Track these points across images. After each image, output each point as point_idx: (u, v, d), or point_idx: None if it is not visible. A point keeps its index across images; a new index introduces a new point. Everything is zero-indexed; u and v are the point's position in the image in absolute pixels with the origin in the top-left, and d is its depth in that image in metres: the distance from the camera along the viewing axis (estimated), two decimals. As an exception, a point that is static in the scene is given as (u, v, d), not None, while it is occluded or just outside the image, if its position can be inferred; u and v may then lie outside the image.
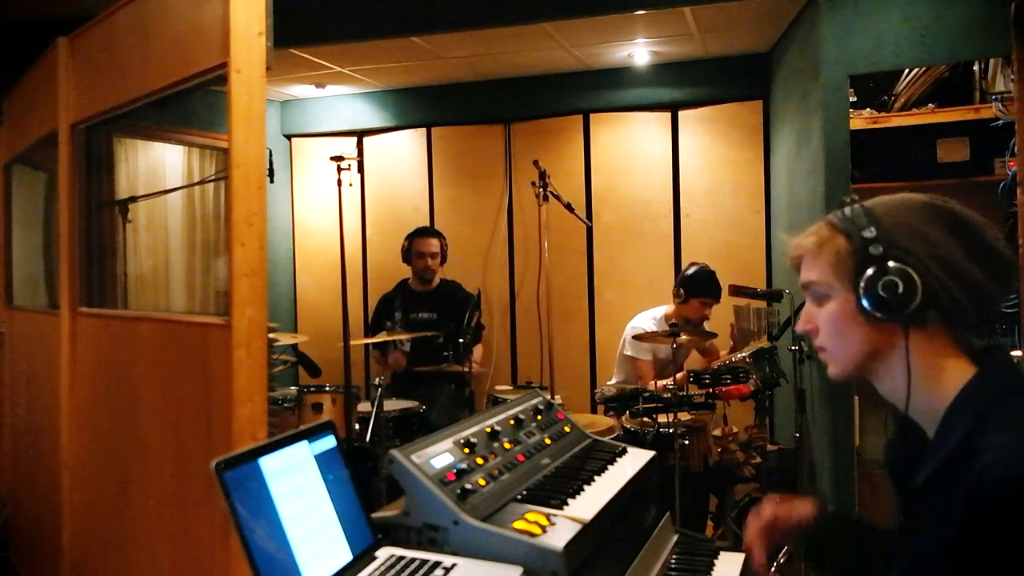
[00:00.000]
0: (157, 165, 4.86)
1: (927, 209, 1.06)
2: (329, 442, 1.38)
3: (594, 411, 4.57)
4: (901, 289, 1.00)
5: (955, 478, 0.95)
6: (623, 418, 3.75)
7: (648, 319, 4.10)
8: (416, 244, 4.50)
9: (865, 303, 1.03)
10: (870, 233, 1.04)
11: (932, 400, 1.04)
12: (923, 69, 3.77)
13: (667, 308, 4.11)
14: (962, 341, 1.05)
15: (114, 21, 2.60)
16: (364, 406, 3.95)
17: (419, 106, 5.33)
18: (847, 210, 1.08)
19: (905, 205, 1.07)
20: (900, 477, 1.13)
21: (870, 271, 1.02)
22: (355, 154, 4.36)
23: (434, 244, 4.49)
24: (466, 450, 1.48)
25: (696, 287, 3.92)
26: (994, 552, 0.89)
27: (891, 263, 1.01)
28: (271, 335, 3.35)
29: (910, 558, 1.03)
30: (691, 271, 3.98)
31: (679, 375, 3.56)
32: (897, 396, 1.08)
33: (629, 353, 4.06)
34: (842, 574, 1.38)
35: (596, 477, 1.57)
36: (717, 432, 3.76)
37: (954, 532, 0.93)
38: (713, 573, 1.64)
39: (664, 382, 3.88)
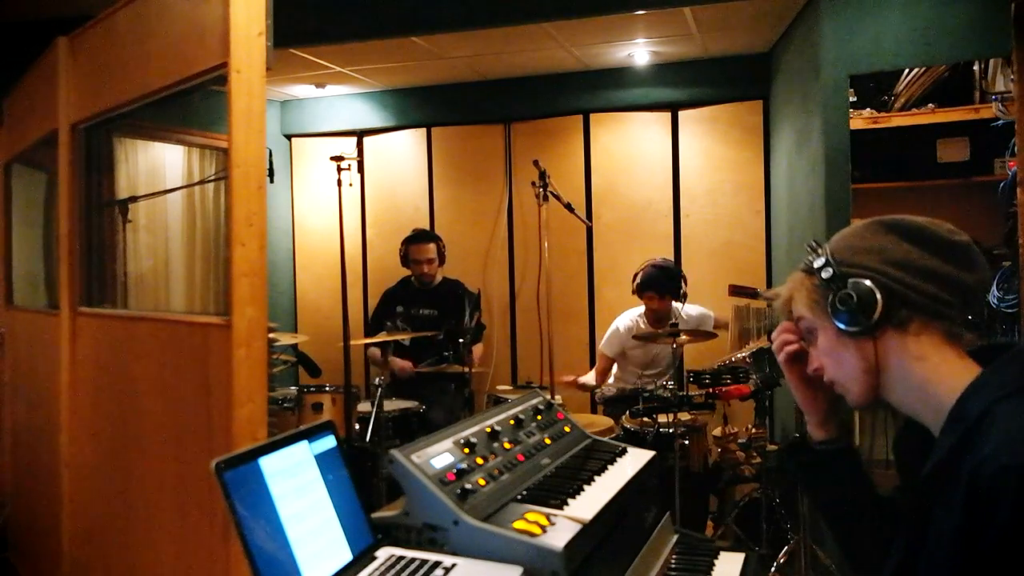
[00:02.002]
0: (157, 165, 4.86)
1: (871, 225, 1.13)
2: (329, 442, 1.38)
3: (594, 411, 4.57)
4: (856, 299, 1.06)
5: (956, 470, 0.96)
6: (623, 418, 3.75)
7: (628, 318, 4.23)
8: (412, 251, 4.49)
9: (839, 324, 1.09)
10: (823, 264, 1.12)
11: (935, 400, 1.05)
12: (923, 69, 3.77)
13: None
14: (958, 339, 1.07)
15: (114, 21, 2.60)
16: (364, 406, 3.95)
17: (419, 106, 5.33)
18: (807, 254, 1.17)
19: (852, 230, 1.15)
20: (909, 472, 1.15)
21: (832, 294, 1.09)
22: (355, 154, 4.36)
23: (430, 250, 4.48)
24: (466, 450, 1.48)
25: (640, 286, 4.06)
26: (994, 540, 0.89)
27: (849, 280, 1.08)
28: (271, 335, 3.34)
29: (927, 551, 1.03)
30: (639, 272, 4.08)
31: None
32: (911, 408, 1.10)
33: (601, 349, 4.27)
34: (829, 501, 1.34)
35: (596, 477, 1.57)
36: (717, 432, 3.76)
37: (956, 522, 0.94)
38: (713, 573, 1.64)
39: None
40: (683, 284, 4.04)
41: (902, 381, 1.08)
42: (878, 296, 1.06)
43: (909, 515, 1.09)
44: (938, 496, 1.00)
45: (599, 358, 4.35)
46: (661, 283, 4.01)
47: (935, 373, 1.05)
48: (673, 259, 4.87)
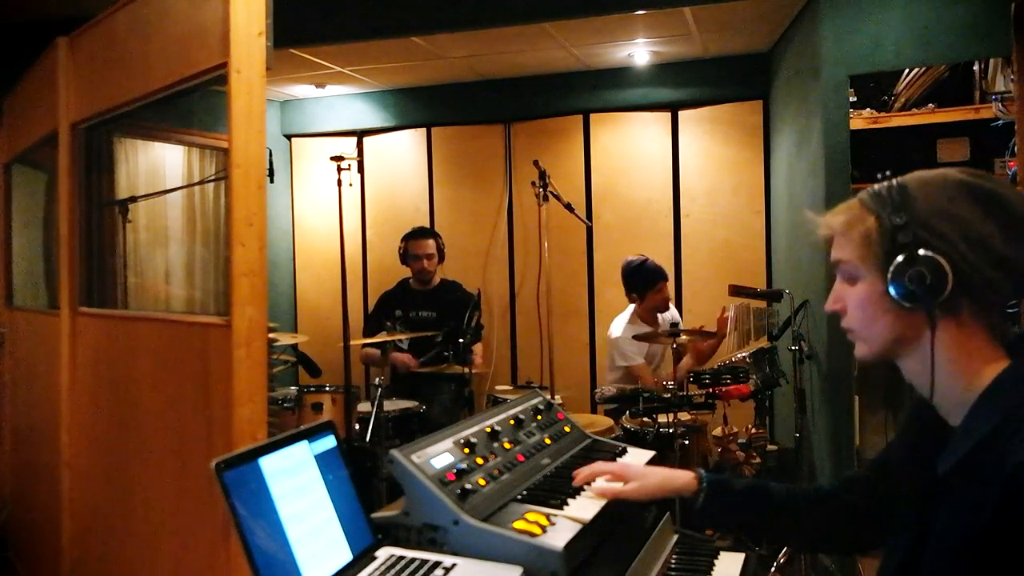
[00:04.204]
0: (157, 165, 4.86)
1: (962, 187, 1.00)
2: (329, 442, 1.38)
3: (594, 411, 4.57)
4: (930, 280, 0.97)
5: (983, 469, 0.93)
6: (623, 418, 3.75)
7: (623, 326, 4.10)
8: (412, 246, 4.49)
9: (893, 291, 1.00)
10: (900, 219, 0.99)
11: (960, 389, 1.01)
12: (923, 69, 3.77)
13: (631, 309, 4.13)
14: (996, 329, 1.01)
15: (114, 21, 2.59)
16: (364, 406, 3.95)
17: (419, 106, 5.33)
18: (881, 188, 1.03)
19: (940, 184, 1.02)
20: (914, 464, 1.10)
21: (900, 258, 0.99)
22: (355, 154, 4.36)
23: (430, 245, 4.48)
24: (466, 450, 1.48)
25: (642, 282, 4.00)
26: None
27: (921, 251, 0.97)
28: (271, 335, 3.35)
29: (934, 547, 1.00)
30: (628, 271, 4.04)
31: (683, 363, 3.54)
32: (922, 380, 1.04)
33: (622, 364, 4.07)
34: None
35: (596, 477, 1.57)
36: (717, 432, 3.76)
37: (985, 524, 0.90)
38: (713, 573, 1.64)
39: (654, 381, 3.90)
40: None
41: (930, 363, 1.01)
42: (950, 281, 0.96)
43: (916, 509, 1.06)
44: (959, 492, 0.96)
45: (643, 369, 4.03)
46: (656, 271, 4.02)
47: (968, 364, 1.00)
48: (673, 259, 4.88)
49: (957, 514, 0.96)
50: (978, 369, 1.00)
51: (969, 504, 0.94)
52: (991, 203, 0.99)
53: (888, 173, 1.05)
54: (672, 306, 4.21)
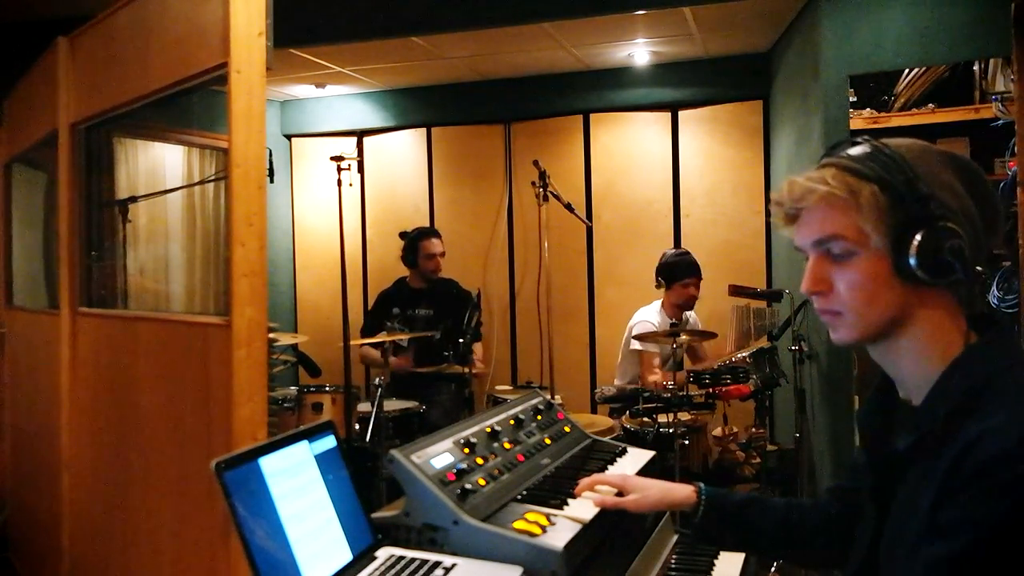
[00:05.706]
0: (157, 165, 4.86)
1: (948, 160, 0.97)
2: (329, 442, 1.39)
3: (594, 411, 4.57)
4: (968, 252, 0.92)
5: (942, 448, 0.91)
6: (623, 418, 3.75)
7: (652, 313, 4.11)
8: (425, 246, 4.46)
9: (914, 264, 0.93)
10: (926, 188, 0.93)
11: (925, 365, 0.99)
12: (923, 69, 3.77)
13: (659, 301, 4.14)
14: (966, 305, 0.99)
15: (114, 21, 2.60)
16: (364, 406, 3.95)
17: (419, 106, 5.33)
18: (873, 154, 0.97)
19: (927, 154, 0.97)
20: (876, 440, 1.09)
21: (923, 232, 0.92)
22: (355, 154, 4.36)
23: (440, 244, 4.50)
24: (466, 450, 1.48)
25: (672, 272, 3.97)
26: (982, 529, 0.85)
27: (943, 223, 0.93)
28: (271, 335, 3.34)
29: (893, 525, 0.99)
30: (664, 259, 4.03)
31: (679, 374, 3.56)
32: (903, 361, 1.01)
33: (636, 347, 4.07)
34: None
35: (596, 477, 1.57)
36: (717, 432, 3.76)
37: (936, 504, 0.89)
38: (713, 573, 1.64)
39: (655, 377, 3.89)
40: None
41: (911, 339, 0.99)
42: (967, 254, 0.92)
43: (876, 491, 1.05)
44: (917, 471, 0.95)
45: (654, 358, 4.02)
46: (693, 267, 3.98)
47: (943, 340, 0.97)
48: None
49: (915, 491, 0.94)
50: (944, 345, 0.97)
51: (923, 483, 0.92)
52: (970, 178, 0.97)
53: (866, 137, 0.98)
54: (694, 313, 4.19)
